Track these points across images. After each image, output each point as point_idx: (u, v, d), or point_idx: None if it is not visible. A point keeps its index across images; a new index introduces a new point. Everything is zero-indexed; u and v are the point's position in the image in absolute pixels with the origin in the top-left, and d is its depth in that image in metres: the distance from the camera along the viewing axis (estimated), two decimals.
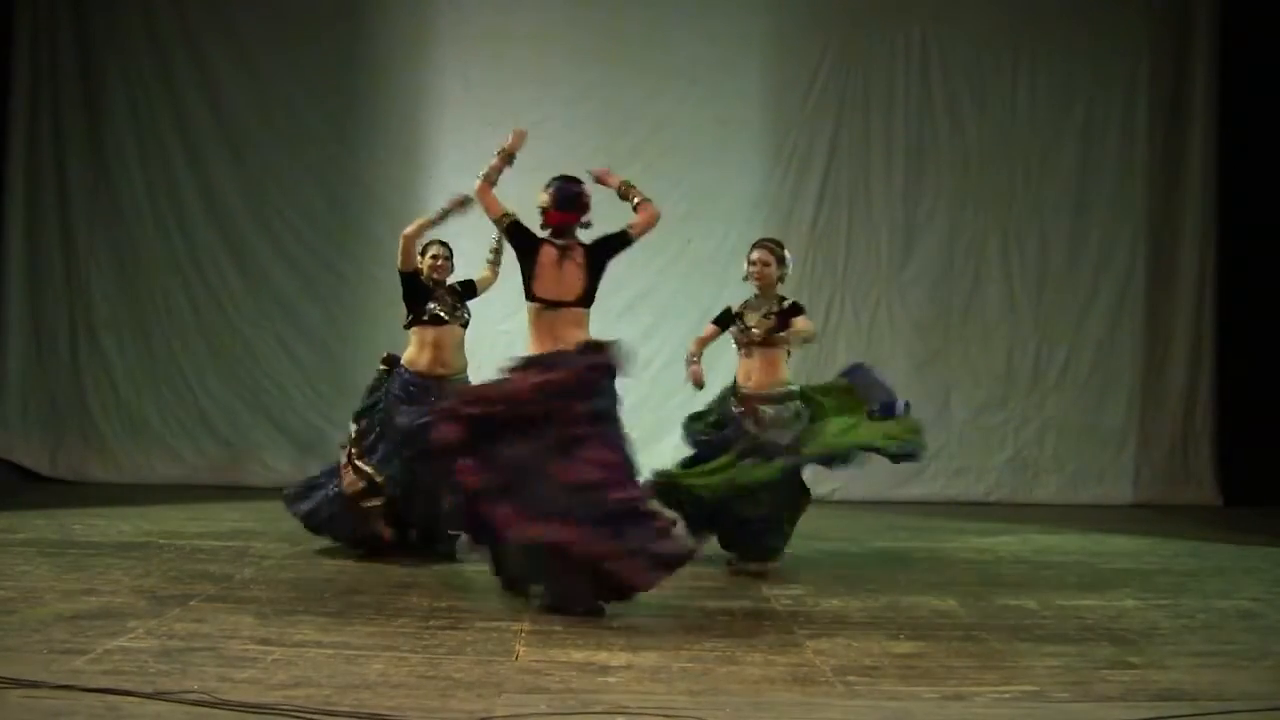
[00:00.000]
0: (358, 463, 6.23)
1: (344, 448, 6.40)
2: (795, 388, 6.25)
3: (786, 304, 6.28)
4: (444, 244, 6.64)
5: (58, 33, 9.98)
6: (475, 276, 6.75)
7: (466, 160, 10.06)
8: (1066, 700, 3.85)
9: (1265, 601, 5.72)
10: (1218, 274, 10.39)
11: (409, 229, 6.45)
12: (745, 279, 6.33)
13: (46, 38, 9.98)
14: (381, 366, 6.53)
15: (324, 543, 6.52)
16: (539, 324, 5.29)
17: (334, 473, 6.42)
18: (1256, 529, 8.32)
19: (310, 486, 6.57)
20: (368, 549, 6.28)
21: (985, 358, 10.34)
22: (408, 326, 6.51)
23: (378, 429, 6.33)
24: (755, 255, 6.34)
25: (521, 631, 4.66)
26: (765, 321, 6.20)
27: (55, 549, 6.24)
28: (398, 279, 6.51)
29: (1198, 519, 9.17)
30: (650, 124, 10.14)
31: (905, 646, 4.55)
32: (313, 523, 6.45)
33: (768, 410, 6.13)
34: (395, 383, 6.39)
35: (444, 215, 6.38)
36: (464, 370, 6.52)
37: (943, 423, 10.22)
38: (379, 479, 6.18)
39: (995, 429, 10.32)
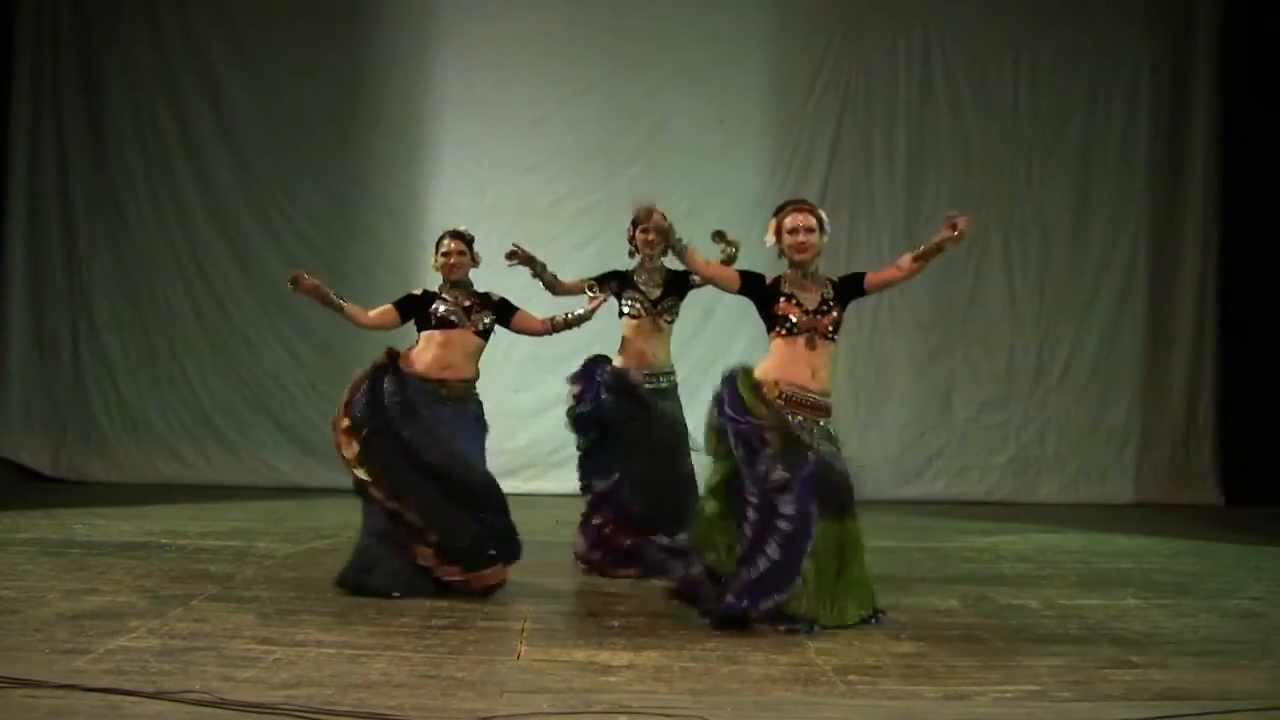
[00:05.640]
0: (389, 505, 5.22)
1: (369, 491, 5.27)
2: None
3: (837, 279, 5.06)
4: (459, 235, 5.60)
5: (60, 33, 9.98)
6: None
7: (468, 159, 10.16)
8: (1068, 700, 3.85)
9: (1267, 601, 5.71)
10: (1219, 273, 10.38)
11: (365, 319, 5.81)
12: (780, 255, 5.03)
13: (48, 38, 9.99)
14: (381, 360, 5.45)
15: (326, 542, 6.51)
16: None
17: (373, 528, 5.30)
18: (1258, 528, 8.31)
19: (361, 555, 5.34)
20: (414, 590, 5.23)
21: (987, 357, 10.33)
22: (419, 330, 5.61)
23: (383, 451, 5.27)
24: (794, 221, 4.96)
25: (523, 631, 4.66)
26: (827, 313, 4.93)
27: (57, 549, 6.24)
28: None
29: (1199, 518, 9.16)
30: (652, 122, 10.15)
31: (907, 646, 4.55)
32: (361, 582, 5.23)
33: (830, 426, 4.95)
34: (385, 382, 5.37)
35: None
36: (472, 381, 5.55)
37: (944, 422, 10.24)
38: (410, 515, 5.21)
39: (997, 428, 10.30)
